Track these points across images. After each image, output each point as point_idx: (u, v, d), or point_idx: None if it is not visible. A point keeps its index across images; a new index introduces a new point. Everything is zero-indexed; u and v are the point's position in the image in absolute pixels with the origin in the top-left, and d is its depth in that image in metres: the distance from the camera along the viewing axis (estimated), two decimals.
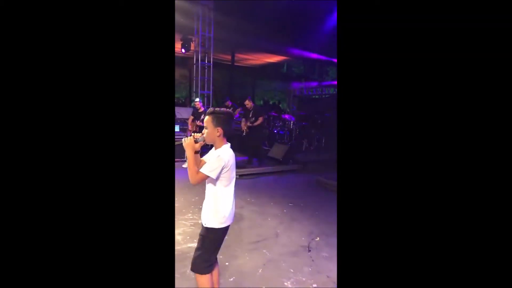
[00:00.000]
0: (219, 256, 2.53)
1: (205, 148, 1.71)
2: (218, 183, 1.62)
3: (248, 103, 5.86)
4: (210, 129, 1.62)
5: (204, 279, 1.65)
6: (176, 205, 3.79)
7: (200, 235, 1.67)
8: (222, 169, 1.57)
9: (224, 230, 1.68)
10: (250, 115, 5.80)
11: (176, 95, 12.60)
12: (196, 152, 1.66)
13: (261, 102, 12.48)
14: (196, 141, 1.63)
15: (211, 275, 1.68)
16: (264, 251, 2.72)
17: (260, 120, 5.73)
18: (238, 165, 5.56)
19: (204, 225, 1.66)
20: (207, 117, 1.64)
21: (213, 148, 1.69)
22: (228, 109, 1.71)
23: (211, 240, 1.65)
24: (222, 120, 1.61)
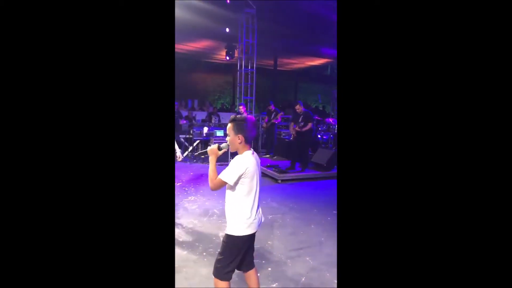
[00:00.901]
0: (261, 261, 2.55)
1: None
2: (237, 190, 1.60)
3: (298, 108, 5.83)
4: (231, 137, 1.63)
5: (221, 285, 1.63)
6: (220, 208, 3.91)
7: (222, 240, 1.67)
8: (240, 176, 1.56)
9: (245, 239, 1.63)
10: (300, 120, 5.75)
11: (221, 101, 13.06)
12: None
13: None
14: (219, 148, 1.68)
15: (229, 283, 1.66)
16: (307, 259, 2.66)
17: (309, 125, 5.65)
18: (281, 170, 5.56)
19: (225, 231, 1.66)
20: (228, 125, 1.65)
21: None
22: (250, 115, 1.71)
23: (230, 247, 1.62)
24: (242, 127, 1.61)
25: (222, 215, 3.68)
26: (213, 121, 8.03)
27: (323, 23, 8.64)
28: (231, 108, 11.39)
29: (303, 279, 2.32)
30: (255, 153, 1.69)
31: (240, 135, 1.61)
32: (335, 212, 3.92)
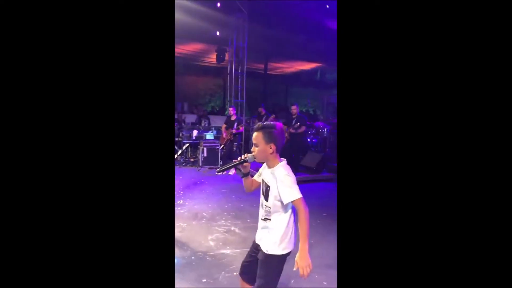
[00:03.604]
0: None
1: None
2: (284, 205, 1.47)
3: (294, 109, 5.89)
4: (261, 146, 1.46)
5: None
6: (209, 211, 3.86)
7: (261, 261, 1.51)
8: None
9: (287, 255, 1.54)
10: (293, 122, 5.77)
11: (211, 104, 13.01)
12: (245, 175, 1.56)
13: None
14: (244, 161, 1.51)
15: None
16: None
17: (303, 128, 5.67)
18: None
19: (267, 252, 1.50)
20: (256, 134, 1.48)
21: (263, 166, 1.58)
22: (279, 122, 1.57)
23: (276, 267, 1.51)
24: (274, 136, 1.46)
25: (211, 218, 3.62)
26: (203, 124, 7.97)
27: (313, 27, 8.76)
28: (221, 111, 11.36)
29: (292, 281, 2.30)
30: None
31: (272, 144, 1.45)
32: (325, 214, 3.92)
